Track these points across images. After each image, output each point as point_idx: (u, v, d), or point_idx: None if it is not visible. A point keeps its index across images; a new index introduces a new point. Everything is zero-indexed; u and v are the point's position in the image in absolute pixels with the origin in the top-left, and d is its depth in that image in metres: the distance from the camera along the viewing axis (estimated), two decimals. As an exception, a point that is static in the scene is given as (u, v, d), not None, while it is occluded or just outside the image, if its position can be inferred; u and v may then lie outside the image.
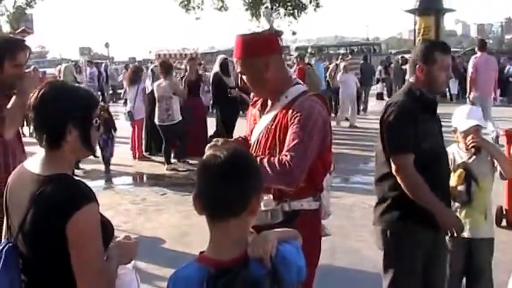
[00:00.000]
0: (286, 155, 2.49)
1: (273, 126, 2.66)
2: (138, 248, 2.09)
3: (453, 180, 3.49)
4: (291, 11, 31.19)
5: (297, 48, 36.64)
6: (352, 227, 5.83)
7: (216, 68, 10.50)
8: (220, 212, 1.65)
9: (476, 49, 11.92)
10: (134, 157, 10.45)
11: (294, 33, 33.30)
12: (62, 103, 1.93)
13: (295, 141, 2.51)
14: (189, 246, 5.31)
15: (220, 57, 10.77)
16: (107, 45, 53.54)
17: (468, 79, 11.46)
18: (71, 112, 1.93)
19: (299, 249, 1.79)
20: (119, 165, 9.82)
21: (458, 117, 3.66)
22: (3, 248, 1.96)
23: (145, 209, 7.25)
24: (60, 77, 10.92)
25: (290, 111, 2.60)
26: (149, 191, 8.16)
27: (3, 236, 2.13)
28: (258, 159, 2.47)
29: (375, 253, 5.26)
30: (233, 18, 44.28)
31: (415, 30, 22.47)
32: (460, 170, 3.54)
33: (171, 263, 4.94)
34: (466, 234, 3.48)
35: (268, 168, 2.44)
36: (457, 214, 3.47)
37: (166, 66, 9.64)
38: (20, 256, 1.93)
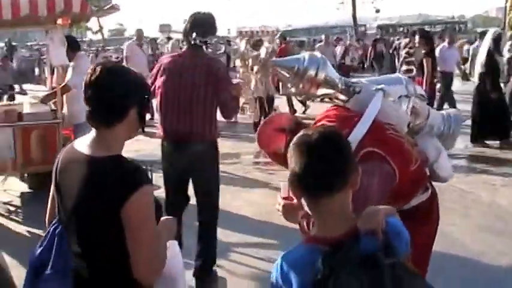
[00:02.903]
0: None
1: None
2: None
3: None
4: (375, -12, 30.29)
5: (378, 27, 35.55)
6: (443, 210, 5.71)
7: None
8: (323, 189, 1.63)
9: None
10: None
11: (377, 11, 32.39)
12: (125, 81, 1.90)
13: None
14: (273, 225, 5.17)
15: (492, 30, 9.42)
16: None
17: None
18: (133, 90, 1.90)
19: (402, 223, 1.75)
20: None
21: None
22: (55, 229, 1.97)
23: (229, 187, 6.93)
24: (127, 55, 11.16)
25: None
26: (232, 169, 7.88)
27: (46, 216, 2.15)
28: None
29: (466, 237, 5.22)
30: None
31: (505, 7, 21.20)
32: None
33: (258, 241, 5.06)
34: None
35: None
36: None
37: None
38: (74, 237, 1.90)
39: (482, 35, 14.45)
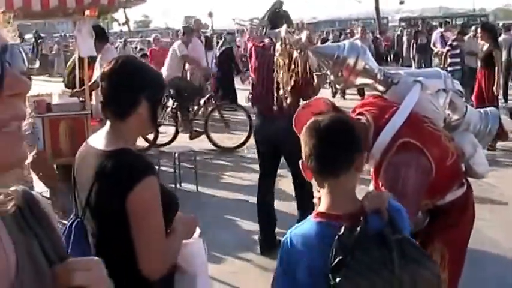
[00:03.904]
0: None
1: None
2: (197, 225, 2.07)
3: None
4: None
5: (401, 19, 35.19)
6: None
7: None
8: (329, 171, 1.73)
9: None
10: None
11: (401, 3, 32.12)
12: (139, 74, 1.90)
13: None
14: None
15: None
16: (210, 14, 54.05)
17: None
18: (146, 84, 1.90)
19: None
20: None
21: None
22: (72, 223, 1.96)
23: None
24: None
25: (379, 175, 2.43)
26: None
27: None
28: None
29: (495, 232, 5.11)
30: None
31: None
32: None
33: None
34: None
35: None
36: None
37: None
38: (88, 230, 1.92)
39: (507, 28, 14.31)
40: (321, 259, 1.60)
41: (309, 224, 1.76)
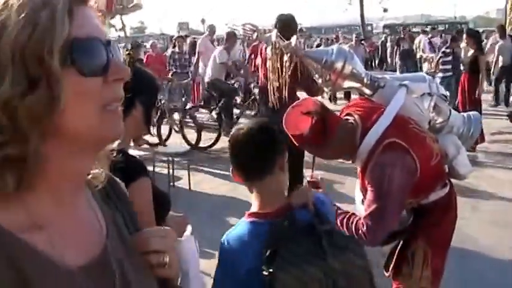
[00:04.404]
0: (362, 225, 2.39)
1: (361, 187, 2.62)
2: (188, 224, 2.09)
3: None
4: (383, -11, 30.09)
5: (384, 26, 35.45)
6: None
7: None
8: (253, 176, 1.83)
9: None
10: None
11: (385, 10, 32.25)
12: (135, 78, 1.87)
13: (370, 208, 2.39)
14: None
15: None
16: (203, 21, 53.96)
17: None
18: (141, 87, 1.90)
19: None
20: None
21: None
22: None
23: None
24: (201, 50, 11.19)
25: (366, 174, 2.48)
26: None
27: None
28: (341, 218, 2.47)
29: (475, 230, 5.11)
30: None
31: (506, 8, 21.16)
32: None
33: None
34: None
35: (349, 230, 2.43)
36: None
37: None
38: None
39: (487, 35, 14.61)
40: (257, 256, 1.65)
41: (242, 225, 1.84)
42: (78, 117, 0.75)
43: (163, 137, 8.70)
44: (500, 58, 12.18)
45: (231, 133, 1.87)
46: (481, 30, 19.87)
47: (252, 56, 11.61)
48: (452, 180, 2.84)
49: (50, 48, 0.71)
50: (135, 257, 0.89)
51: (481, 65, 8.23)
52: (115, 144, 1.86)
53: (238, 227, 1.85)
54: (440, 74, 9.57)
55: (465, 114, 3.06)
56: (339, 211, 2.53)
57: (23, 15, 0.71)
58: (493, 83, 12.71)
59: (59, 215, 0.79)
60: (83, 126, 0.76)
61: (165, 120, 8.94)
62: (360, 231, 2.38)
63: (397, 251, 2.76)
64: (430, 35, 15.36)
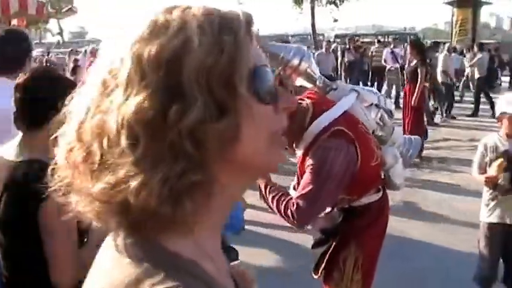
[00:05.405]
0: (293, 204, 2.38)
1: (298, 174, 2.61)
2: None
3: (493, 170, 3.36)
4: (333, 0, 30.58)
5: (336, 36, 36.01)
6: (395, 207, 5.80)
7: None
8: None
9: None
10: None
11: (335, 21, 32.60)
12: (52, 86, 1.83)
13: (305, 190, 2.38)
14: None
15: None
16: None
17: None
18: (60, 95, 1.84)
19: None
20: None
21: (505, 102, 3.48)
22: None
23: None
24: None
25: (306, 159, 2.47)
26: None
27: None
28: (273, 196, 2.48)
29: (418, 233, 5.17)
30: (275, 3, 43.67)
31: (452, 21, 21.96)
32: (500, 160, 3.39)
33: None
34: (508, 221, 3.45)
35: (278, 208, 2.44)
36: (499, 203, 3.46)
37: None
38: None
39: (436, 45, 15.00)
40: None
41: None
42: (254, 145, 0.73)
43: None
44: (477, 70, 13.15)
45: None
46: (429, 41, 20.56)
47: None
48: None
49: (240, 75, 0.70)
50: None
51: (420, 75, 8.28)
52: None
53: None
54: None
55: (407, 136, 3.17)
56: (272, 188, 2.51)
57: (205, 38, 0.68)
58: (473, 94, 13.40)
59: (215, 245, 0.79)
60: (256, 154, 0.74)
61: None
62: (289, 211, 2.38)
63: (327, 256, 2.71)
64: (392, 46, 15.00)
